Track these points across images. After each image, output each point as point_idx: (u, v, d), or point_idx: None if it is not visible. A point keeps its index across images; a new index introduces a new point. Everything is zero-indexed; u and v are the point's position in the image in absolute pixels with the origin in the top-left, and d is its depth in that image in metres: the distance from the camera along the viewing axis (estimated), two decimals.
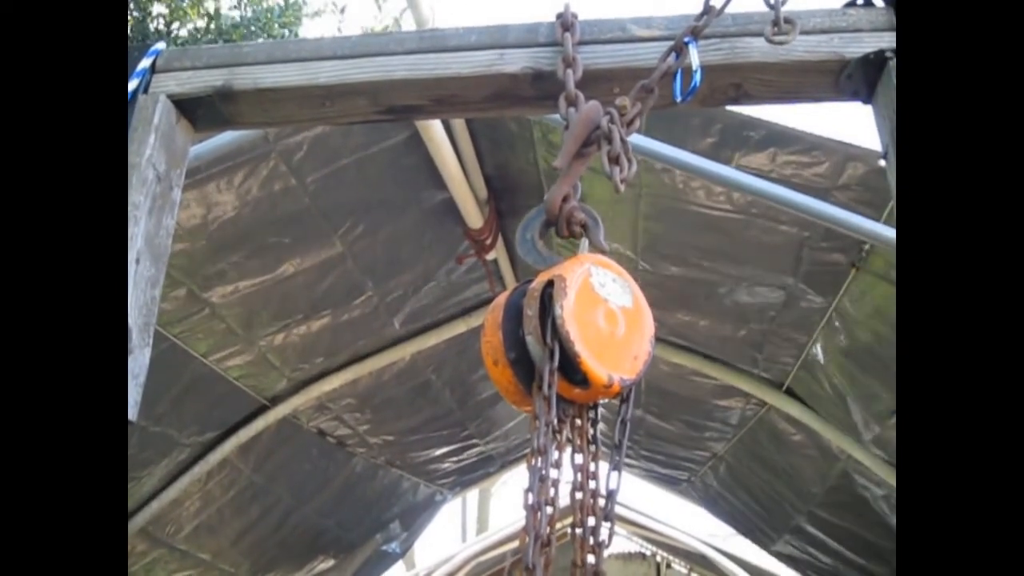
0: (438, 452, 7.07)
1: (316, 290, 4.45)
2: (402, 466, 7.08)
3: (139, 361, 1.93)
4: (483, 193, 4.07)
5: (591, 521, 1.55)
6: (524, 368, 1.53)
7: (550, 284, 1.53)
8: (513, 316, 1.56)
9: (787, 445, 5.40)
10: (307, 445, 6.04)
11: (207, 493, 5.75)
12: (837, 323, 3.82)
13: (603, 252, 1.67)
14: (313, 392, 5.37)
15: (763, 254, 3.50)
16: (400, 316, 4.95)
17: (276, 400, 5.37)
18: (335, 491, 6.70)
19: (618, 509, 8.59)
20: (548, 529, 1.44)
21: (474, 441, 7.08)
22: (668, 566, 13.60)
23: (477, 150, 3.80)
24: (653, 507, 10.39)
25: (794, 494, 5.95)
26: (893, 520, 5.05)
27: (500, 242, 4.37)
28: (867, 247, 3.24)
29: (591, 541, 1.52)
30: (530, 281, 1.59)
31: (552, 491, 1.45)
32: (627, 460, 7.41)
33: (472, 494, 19.63)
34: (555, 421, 1.47)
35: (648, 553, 13.60)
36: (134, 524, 5.48)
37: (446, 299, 5.01)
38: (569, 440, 1.54)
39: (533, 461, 1.42)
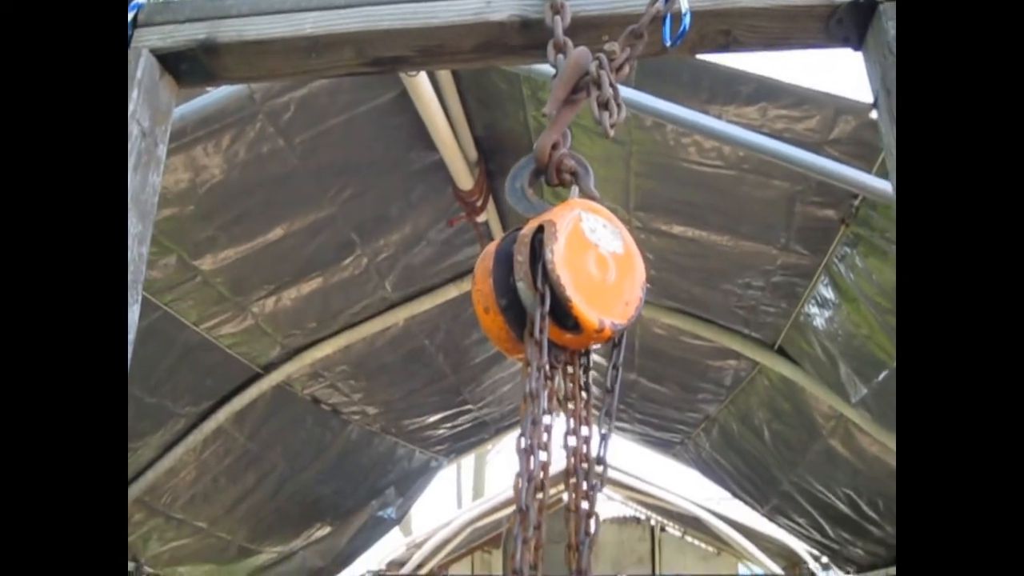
0: (432, 418, 7.09)
1: (306, 252, 4.43)
2: (397, 433, 7.11)
3: (129, 318, 1.92)
4: (473, 154, 4.04)
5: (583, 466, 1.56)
6: (515, 315, 1.53)
7: (540, 230, 1.52)
8: (503, 263, 1.55)
9: (778, 406, 5.43)
10: (301, 413, 6.05)
11: (203, 462, 5.77)
12: (827, 281, 3.82)
13: (594, 199, 1.66)
14: (306, 359, 5.36)
15: (755, 210, 3.50)
16: (391, 278, 4.94)
17: (269, 368, 5.37)
18: (330, 458, 6.72)
19: (613, 475, 8.69)
20: (541, 473, 1.44)
21: (468, 407, 7.11)
22: (662, 530, 13.77)
23: (466, 109, 3.77)
24: (648, 472, 10.48)
25: (784, 456, 6.00)
26: (884, 479, 5.10)
27: (491, 204, 4.35)
28: (857, 203, 3.24)
29: (584, 486, 1.53)
30: (520, 228, 1.58)
31: (544, 435, 1.46)
32: (621, 425, 7.46)
33: (467, 461, 19.78)
34: (547, 367, 1.46)
35: (643, 518, 13.74)
36: (131, 494, 5.49)
37: (438, 262, 5.00)
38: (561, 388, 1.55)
39: (526, 406, 1.42)
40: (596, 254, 1.56)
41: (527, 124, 3.66)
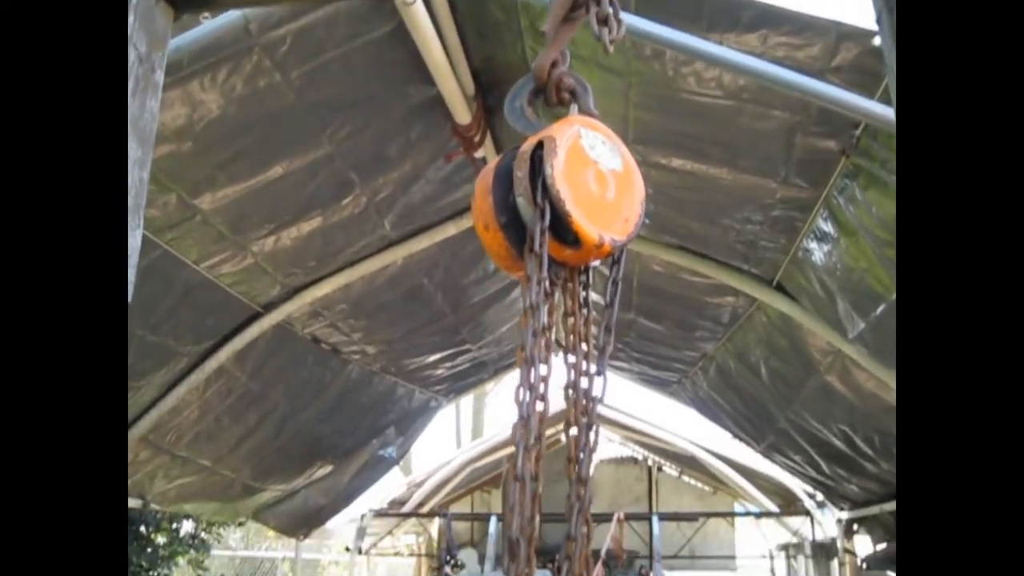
0: (432, 358, 7.15)
1: (305, 191, 4.42)
2: (397, 373, 7.17)
3: (131, 243, 1.93)
4: (471, 88, 4.01)
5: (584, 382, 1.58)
6: (515, 232, 1.54)
7: (540, 146, 1.52)
8: (503, 180, 1.56)
9: (775, 343, 5.47)
10: (302, 352, 6.10)
11: (205, 401, 5.83)
12: (826, 215, 3.82)
13: (593, 118, 1.65)
14: (306, 298, 5.39)
15: (754, 142, 3.48)
16: (391, 216, 4.94)
17: (269, 307, 5.39)
18: (331, 398, 6.78)
19: (611, 415, 8.77)
20: (543, 384, 1.46)
21: (467, 346, 7.15)
22: (659, 470, 13.95)
23: (463, 41, 3.72)
24: (645, 412, 10.58)
25: (781, 393, 6.06)
26: (880, 415, 5.16)
27: (488, 140, 4.32)
28: (858, 133, 3.22)
29: (584, 401, 1.55)
30: (520, 146, 1.58)
31: (544, 348, 1.47)
32: (619, 364, 7.52)
33: (466, 401, 19.98)
34: (547, 281, 1.48)
35: (640, 458, 13.91)
36: (135, 432, 5.56)
37: (436, 200, 4.99)
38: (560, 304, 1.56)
39: (526, 319, 1.44)
40: (596, 171, 1.56)
41: (525, 56, 3.63)
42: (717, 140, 3.62)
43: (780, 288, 4.84)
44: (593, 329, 1.59)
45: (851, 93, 2.58)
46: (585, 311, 1.62)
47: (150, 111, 2.00)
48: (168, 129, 3.61)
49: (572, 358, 1.57)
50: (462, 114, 4.05)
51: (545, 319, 1.47)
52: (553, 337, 1.51)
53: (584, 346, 1.59)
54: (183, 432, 5.95)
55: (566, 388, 1.57)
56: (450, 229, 5.24)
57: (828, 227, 3.87)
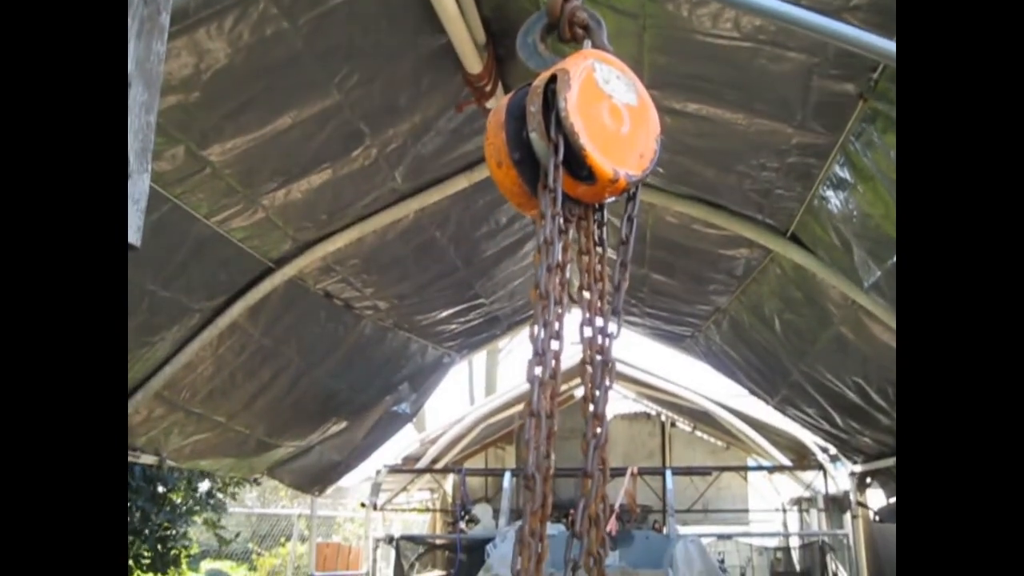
0: (444, 313, 7.13)
1: (314, 142, 4.37)
2: (410, 328, 7.16)
3: (139, 186, 1.91)
4: (481, 37, 3.94)
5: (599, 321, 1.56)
6: (528, 168, 1.51)
7: (553, 81, 1.48)
8: (516, 117, 1.53)
9: (789, 295, 5.43)
10: (315, 308, 6.09)
11: (219, 357, 5.84)
12: (843, 161, 3.76)
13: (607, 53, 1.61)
14: (318, 252, 5.37)
15: (770, 85, 3.41)
16: (401, 168, 4.89)
17: (281, 262, 5.38)
18: (344, 354, 6.80)
19: (624, 370, 8.76)
20: (557, 321, 1.44)
21: (480, 301, 7.13)
22: (673, 425, 13.99)
23: None
24: (658, 367, 10.58)
25: (794, 345, 6.03)
26: (893, 367, 5.12)
27: (500, 90, 4.26)
28: (876, 75, 3.15)
29: (600, 340, 1.53)
30: (532, 82, 1.54)
31: (559, 285, 1.45)
32: (632, 319, 7.50)
33: (479, 359, 20.04)
34: (561, 218, 1.45)
35: (653, 413, 13.95)
36: (149, 388, 5.59)
37: (447, 152, 4.94)
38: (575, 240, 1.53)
39: (540, 255, 1.41)
40: (610, 105, 1.52)
41: (537, 3, 3.56)
42: (733, 83, 3.55)
43: (795, 239, 4.79)
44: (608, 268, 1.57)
45: (869, 33, 2.50)
46: (600, 249, 1.59)
47: (156, 54, 1.96)
48: (175, 79, 3.56)
49: (587, 295, 1.55)
50: (473, 63, 3.98)
51: (559, 256, 1.44)
52: (567, 275, 1.48)
53: (599, 284, 1.56)
54: (197, 388, 5.98)
55: (581, 326, 1.55)
56: (461, 182, 5.19)
57: (844, 173, 3.81)
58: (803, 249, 4.77)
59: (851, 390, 5.84)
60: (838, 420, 6.83)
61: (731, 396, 10.81)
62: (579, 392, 2.16)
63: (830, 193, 4.09)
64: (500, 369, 19.39)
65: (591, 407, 1.50)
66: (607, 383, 1.48)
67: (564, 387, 9.40)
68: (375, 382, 7.62)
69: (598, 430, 1.45)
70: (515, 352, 18.54)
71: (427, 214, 5.43)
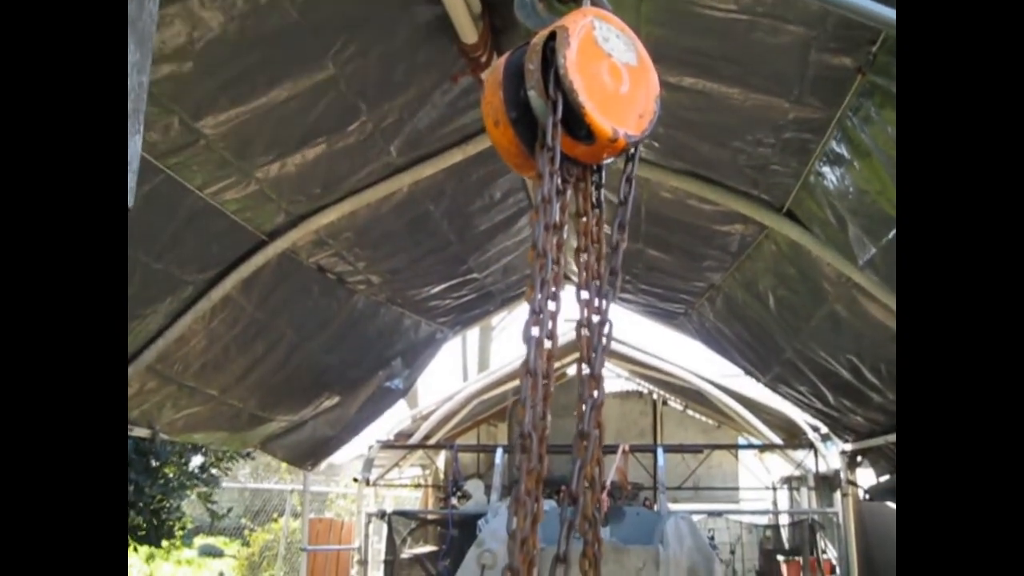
0: (438, 288, 7.13)
1: (309, 116, 4.34)
2: (403, 304, 7.16)
3: (132, 148, 1.89)
4: (477, 7, 3.91)
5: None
6: (526, 128, 1.49)
7: (552, 38, 1.47)
8: (514, 75, 1.51)
9: (783, 271, 5.43)
10: (308, 282, 6.08)
11: (212, 330, 5.83)
12: (839, 136, 3.75)
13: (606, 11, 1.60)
14: (311, 226, 5.35)
15: (768, 59, 3.40)
16: (396, 143, 4.87)
17: (274, 235, 5.36)
18: (337, 328, 6.79)
19: (617, 348, 8.74)
20: (554, 282, 1.43)
21: (473, 276, 7.13)
22: (664, 404, 14.04)
23: None
24: (651, 345, 10.60)
25: (788, 323, 6.04)
26: (887, 345, 5.14)
27: (495, 60, 4.23)
28: (875, 50, 3.14)
29: (597, 302, 1.52)
30: (530, 41, 1.53)
31: (556, 248, 1.44)
32: (625, 296, 7.50)
33: (472, 336, 20.09)
34: (559, 180, 1.44)
35: (645, 392, 14.00)
36: (142, 362, 5.58)
37: (442, 125, 4.91)
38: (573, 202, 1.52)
39: (537, 215, 1.40)
40: (609, 64, 1.51)
41: None
42: (730, 57, 3.53)
43: (790, 215, 4.79)
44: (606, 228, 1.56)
45: (870, 1, 2.49)
46: (597, 211, 1.58)
47: (149, 13, 1.94)
48: (168, 48, 3.53)
49: (585, 257, 1.54)
50: (468, 33, 3.95)
51: (557, 215, 1.43)
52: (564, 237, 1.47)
53: (596, 246, 1.55)
54: (190, 362, 5.96)
55: (578, 288, 1.54)
56: (456, 156, 5.17)
57: (841, 149, 3.80)
58: (798, 225, 4.77)
59: (844, 368, 5.86)
60: (830, 398, 6.86)
61: (724, 376, 10.85)
62: (572, 370, 2.17)
63: (826, 169, 4.08)
64: (493, 346, 19.44)
65: (587, 369, 1.49)
66: (604, 343, 1.48)
67: (557, 364, 9.43)
68: (368, 357, 7.62)
69: (594, 390, 1.45)
70: (508, 330, 18.58)
71: (421, 188, 5.41)
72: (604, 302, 1.53)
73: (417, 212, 5.71)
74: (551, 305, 1.44)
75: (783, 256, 5.24)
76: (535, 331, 1.34)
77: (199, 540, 27.22)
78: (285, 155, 4.61)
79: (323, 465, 9.67)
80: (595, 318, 1.59)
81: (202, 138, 4.16)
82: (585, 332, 1.51)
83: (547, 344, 1.38)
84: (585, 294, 1.54)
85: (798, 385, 7.07)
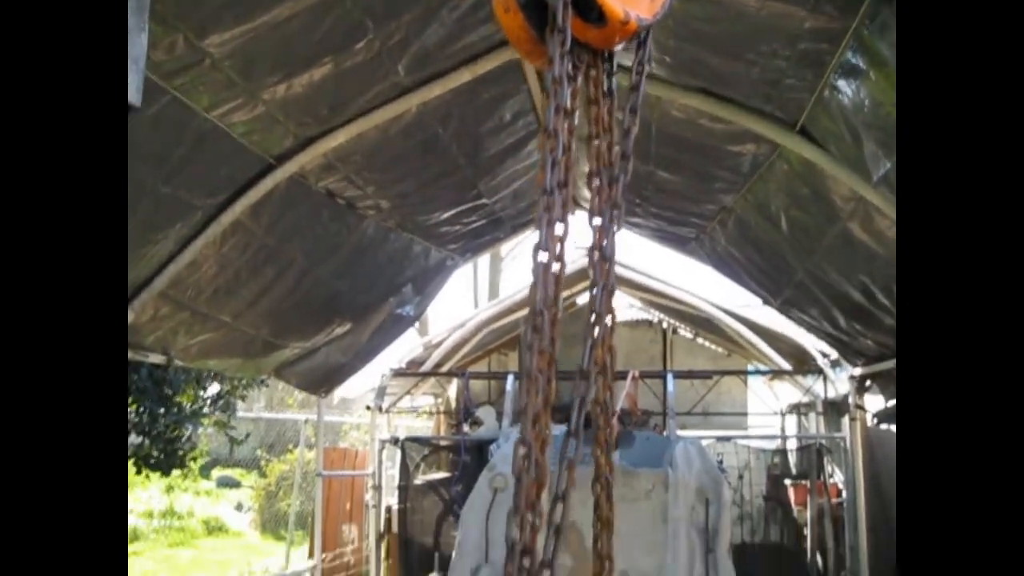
0: (447, 214, 7.10)
1: (315, 34, 4.28)
2: (412, 229, 7.15)
3: (137, 45, 1.88)
4: None
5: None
6: (535, 12, 1.46)
7: None
8: None
9: (796, 191, 5.39)
10: (317, 206, 6.07)
11: (222, 256, 5.84)
12: (856, 46, 3.68)
13: None
14: (319, 149, 5.31)
15: None
16: (404, 62, 4.80)
17: (282, 158, 5.33)
18: (347, 254, 6.79)
19: (626, 274, 8.72)
20: (564, 170, 1.41)
21: (483, 201, 7.09)
22: (674, 332, 14.10)
23: None
24: (662, 272, 10.58)
25: (800, 243, 6.01)
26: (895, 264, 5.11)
27: None
28: None
29: (609, 192, 1.51)
30: None
31: (568, 132, 1.41)
32: (636, 220, 7.47)
33: (483, 264, 20.15)
34: (570, 64, 1.41)
35: (655, 320, 14.05)
36: (154, 288, 5.61)
37: (451, 43, 4.83)
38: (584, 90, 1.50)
39: (549, 99, 1.37)
40: None
41: None
42: None
43: (803, 132, 4.72)
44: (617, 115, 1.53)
45: None
46: (609, 99, 1.56)
47: None
48: None
49: (597, 144, 1.52)
50: None
51: (568, 99, 1.41)
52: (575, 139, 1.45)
53: (608, 135, 1.53)
54: (202, 288, 5.99)
55: (590, 176, 1.53)
56: (465, 75, 5.10)
57: (857, 60, 3.73)
58: (811, 143, 4.71)
59: (856, 289, 5.84)
60: (841, 321, 6.86)
61: (734, 306, 10.86)
62: (581, 300, 2.18)
63: (842, 82, 4.01)
64: (503, 276, 19.51)
65: (598, 254, 1.49)
66: (616, 228, 1.47)
67: (566, 293, 9.42)
68: (378, 284, 7.64)
69: (607, 270, 1.45)
70: (519, 259, 18.60)
71: (429, 109, 5.35)
72: (616, 188, 1.52)
73: (426, 135, 5.66)
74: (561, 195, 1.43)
75: (796, 175, 5.19)
76: (545, 210, 1.33)
77: (216, 472, 27.78)
78: (292, 75, 4.56)
79: (336, 399, 9.79)
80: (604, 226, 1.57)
81: (207, 57, 4.11)
82: (597, 222, 1.50)
83: (558, 228, 1.37)
84: (597, 181, 1.52)
85: (809, 308, 7.07)
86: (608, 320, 1.46)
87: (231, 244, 5.77)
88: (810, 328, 7.96)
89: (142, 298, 5.58)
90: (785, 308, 7.62)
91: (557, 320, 1.37)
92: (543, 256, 1.30)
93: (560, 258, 1.38)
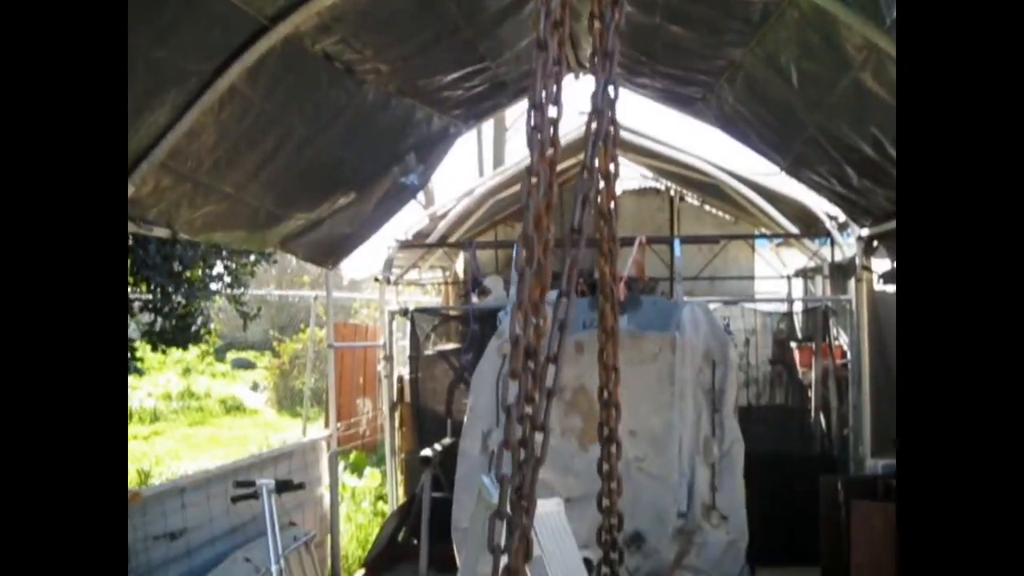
0: (449, 78, 6.92)
1: None
2: (414, 95, 6.99)
3: None
4: None
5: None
6: None
7: None
8: None
9: (807, 40, 5.22)
10: (315, 71, 5.91)
11: (221, 124, 5.73)
12: None
13: None
14: (313, 7, 5.13)
15: None
16: None
17: (276, 19, 5.15)
18: (348, 121, 6.66)
19: (633, 139, 8.57)
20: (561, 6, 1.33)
21: (485, 64, 6.90)
22: (681, 199, 14.00)
23: None
24: (669, 136, 10.42)
25: (811, 96, 5.87)
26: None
27: None
28: None
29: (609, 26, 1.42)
30: None
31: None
32: (643, 80, 7.29)
33: (487, 134, 19.90)
34: None
35: (662, 188, 13.93)
36: (154, 158, 5.53)
37: None
38: None
39: None
40: None
41: None
42: None
43: None
44: None
45: None
46: None
47: None
48: None
49: None
50: None
51: None
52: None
53: None
54: (202, 158, 5.91)
55: (591, 17, 1.45)
56: None
57: None
58: None
59: (866, 142, 5.73)
60: (851, 179, 6.77)
61: (741, 164, 10.73)
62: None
63: None
64: (508, 147, 19.26)
65: (600, 95, 1.42)
66: (608, 76, 1.40)
67: (567, 164, 9.26)
68: (381, 152, 7.54)
69: (607, 68, 1.38)
70: (523, 130, 18.39)
71: None
72: (608, 33, 1.44)
73: None
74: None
75: (807, 23, 5.02)
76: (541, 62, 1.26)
77: (231, 355, 28.36)
78: None
79: (345, 280, 9.82)
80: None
81: None
82: (597, 24, 1.43)
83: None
84: (598, 23, 1.44)
85: (819, 166, 6.97)
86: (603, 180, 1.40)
87: (228, 112, 5.65)
88: (819, 189, 7.88)
89: (142, 169, 5.51)
90: (794, 168, 7.52)
91: (557, 140, 1.32)
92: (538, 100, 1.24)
93: (557, 101, 1.32)
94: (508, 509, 1.49)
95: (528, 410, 1.37)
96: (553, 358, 1.65)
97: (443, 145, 8.15)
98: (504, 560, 1.39)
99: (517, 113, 17.92)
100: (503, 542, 1.50)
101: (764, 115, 6.75)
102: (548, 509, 3.44)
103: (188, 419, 19.90)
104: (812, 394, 10.19)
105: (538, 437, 1.46)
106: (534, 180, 1.17)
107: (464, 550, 4.56)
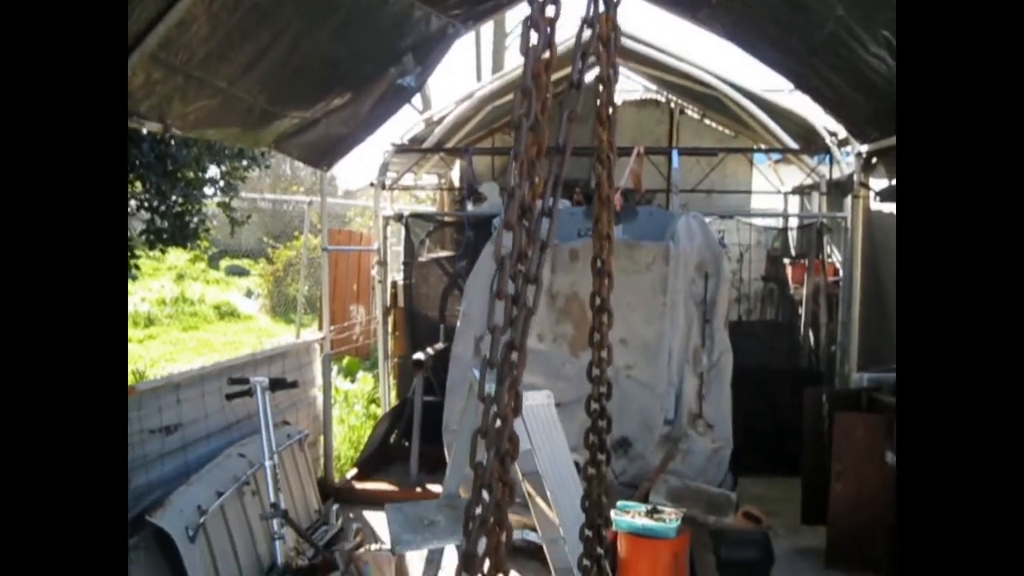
0: None
1: None
2: None
3: None
4: None
5: None
6: None
7: None
8: None
9: None
10: None
11: (213, 15, 5.57)
12: None
13: None
14: None
15: None
16: None
17: None
18: (344, 17, 6.49)
19: (634, 47, 8.37)
20: None
21: None
22: (681, 112, 13.82)
23: None
24: (671, 45, 10.22)
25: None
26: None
27: None
28: None
29: None
30: None
31: None
32: None
33: (487, 39, 19.49)
34: None
35: (662, 100, 13.74)
36: (145, 49, 5.39)
37: None
38: None
39: None
40: None
41: None
42: None
43: None
44: None
45: None
46: None
47: None
48: None
49: None
50: None
51: None
52: None
53: None
54: (194, 50, 5.76)
55: None
56: None
57: None
58: None
59: (880, 46, 5.59)
60: (857, 91, 6.65)
61: (743, 77, 10.55)
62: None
63: None
64: (508, 55, 18.89)
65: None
66: None
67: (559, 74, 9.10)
68: (378, 52, 7.38)
69: None
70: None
71: None
72: None
73: None
74: None
75: None
76: None
77: (225, 263, 28.35)
78: None
79: (340, 191, 9.73)
80: None
81: None
82: None
83: None
84: None
85: (825, 75, 6.83)
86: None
87: (220, 2, 5.50)
88: (823, 101, 7.77)
89: (133, 59, 5.38)
90: (801, 78, 7.39)
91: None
92: None
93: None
94: (498, 357, 1.50)
95: (520, 267, 1.36)
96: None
97: (441, 46, 7.97)
98: (494, 408, 1.41)
99: (517, 19, 17.50)
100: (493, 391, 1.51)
101: (772, 23, 6.59)
102: (538, 401, 3.50)
103: (182, 324, 19.99)
104: (803, 310, 10.26)
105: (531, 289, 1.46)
106: (534, 35, 1.13)
107: (454, 449, 4.64)
